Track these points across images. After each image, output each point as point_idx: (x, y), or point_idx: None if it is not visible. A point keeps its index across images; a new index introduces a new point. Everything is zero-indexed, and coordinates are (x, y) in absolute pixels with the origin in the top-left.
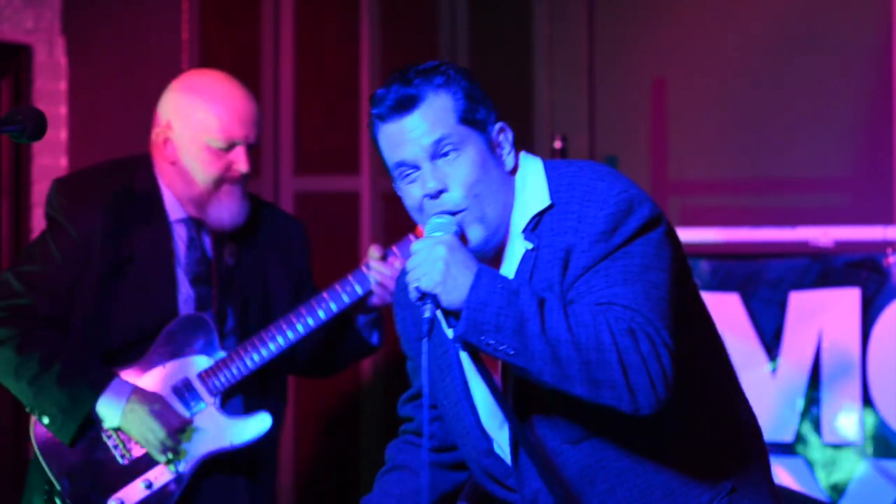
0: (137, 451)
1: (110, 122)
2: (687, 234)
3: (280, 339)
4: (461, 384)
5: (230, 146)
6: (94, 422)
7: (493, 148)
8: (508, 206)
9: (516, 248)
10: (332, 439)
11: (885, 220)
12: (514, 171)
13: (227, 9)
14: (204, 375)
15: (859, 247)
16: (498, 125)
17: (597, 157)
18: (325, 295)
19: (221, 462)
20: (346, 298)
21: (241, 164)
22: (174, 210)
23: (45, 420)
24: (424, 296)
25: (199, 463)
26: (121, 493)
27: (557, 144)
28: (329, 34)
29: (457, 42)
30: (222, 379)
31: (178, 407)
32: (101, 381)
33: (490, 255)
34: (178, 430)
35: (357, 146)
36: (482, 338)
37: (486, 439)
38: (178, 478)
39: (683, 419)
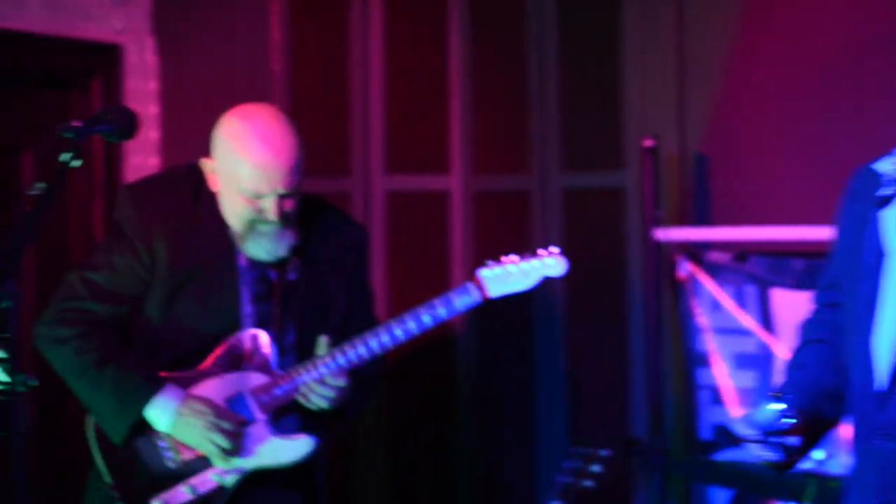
0: (187, 455)
1: (201, 122)
2: (780, 233)
3: (336, 363)
4: (870, 289)
5: (258, 197)
6: (145, 424)
7: None
8: None
9: None
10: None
11: None
12: None
13: (317, 8)
14: (257, 391)
15: None
16: None
17: (687, 157)
18: (387, 324)
19: (270, 474)
20: (410, 328)
21: (269, 213)
22: None
23: (97, 419)
24: None
25: (241, 476)
26: (165, 495)
27: (647, 144)
28: (418, 32)
29: (545, 41)
30: (274, 398)
31: (229, 419)
32: (152, 387)
33: None
34: (232, 434)
35: (447, 145)
36: None
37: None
38: (221, 488)
39: None
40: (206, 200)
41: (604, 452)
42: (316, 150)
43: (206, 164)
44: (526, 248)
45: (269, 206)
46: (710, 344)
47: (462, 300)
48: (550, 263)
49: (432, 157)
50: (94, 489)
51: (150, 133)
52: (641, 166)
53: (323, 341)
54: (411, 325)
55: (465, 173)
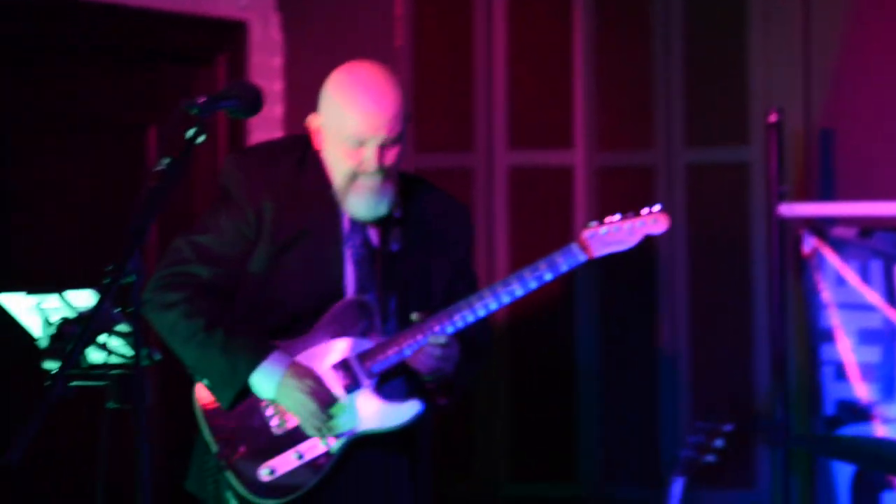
0: (293, 423)
1: None
2: None
3: (442, 326)
4: None
5: (361, 144)
6: (250, 391)
7: None
8: None
9: None
10: None
11: None
12: None
13: None
14: (363, 357)
15: None
16: None
17: (812, 131)
18: (492, 288)
19: (375, 438)
20: (515, 291)
21: (371, 161)
22: None
23: (207, 384)
24: None
25: (348, 441)
26: (273, 462)
27: (772, 118)
28: (542, 7)
29: (671, 16)
30: (379, 363)
31: (335, 385)
32: (260, 352)
33: None
34: (330, 407)
35: (571, 120)
36: None
37: None
38: (328, 453)
39: None
40: (311, 166)
41: (727, 427)
42: (439, 125)
43: (312, 121)
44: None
45: (371, 155)
46: (835, 319)
47: (567, 261)
48: (652, 221)
49: (556, 132)
50: (200, 460)
51: (274, 109)
52: (766, 141)
53: (415, 315)
54: (516, 288)
55: (589, 148)
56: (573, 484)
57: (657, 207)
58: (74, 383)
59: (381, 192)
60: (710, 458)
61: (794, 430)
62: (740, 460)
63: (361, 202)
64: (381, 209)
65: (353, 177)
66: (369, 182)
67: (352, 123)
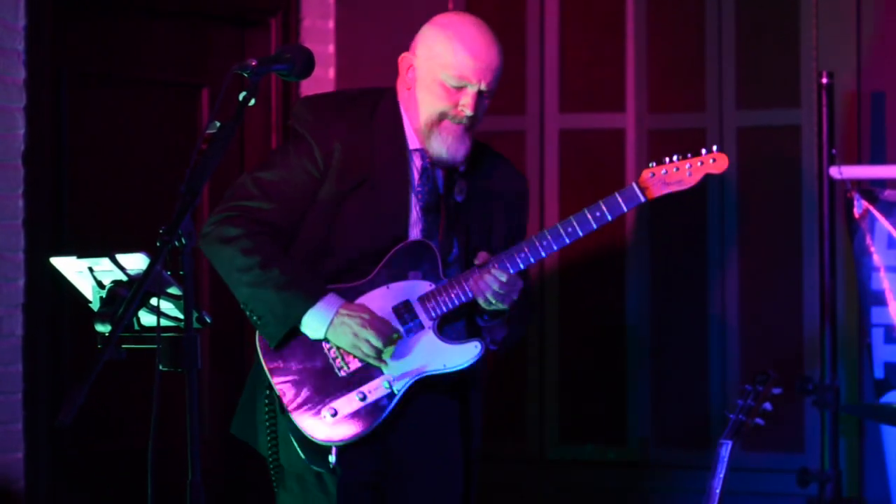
0: (354, 364)
1: (376, 61)
2: None
3: (505, 265)
4: None
5: (460, 86)
6: (300, 331)
7: None
8: None
9: None
10: None
11: None
12: None
13: None
14: (424, 299)
15: None
16: None
17: (863, 94)
18: (553, 228)
19: (434, 381)
20: (575, 231)
21: (466, 106)
22: (412, 139)
23: (255, 319)
24: None
25: (412, 382)
26: (335, 403)
27: (823, 81)
28: None
29: None
30: (441, 304)
31: (397, 325)
32: (314, 292)
33: None
34: (387, 337)
35: (622, 83)
36: None
37: None
38: (391, 394)
39: None
40: (384, 114)
41: (776, 390)
42: None
43: (404, 60)
44: (700, 186)
45: (468, 101)
46: (885, 282)
47: (627, 201)
48: (711, 161)
49: (607, 95)
50: (251, 405)
51: (326, 71)
52: (817, 104)
53: (478, 258)
54: (577, 228)
55: (640, 111)
56: (622, 447)
57: (715, 148)
58: (126, 346)
59: (462, 139)
60: (758, 421)
61: (843, 393)
62: (789, 423)
63: (443, 145)
64: (459, 156)
65: (441, 118)
66: (454, 127)
67: (458, 63)
